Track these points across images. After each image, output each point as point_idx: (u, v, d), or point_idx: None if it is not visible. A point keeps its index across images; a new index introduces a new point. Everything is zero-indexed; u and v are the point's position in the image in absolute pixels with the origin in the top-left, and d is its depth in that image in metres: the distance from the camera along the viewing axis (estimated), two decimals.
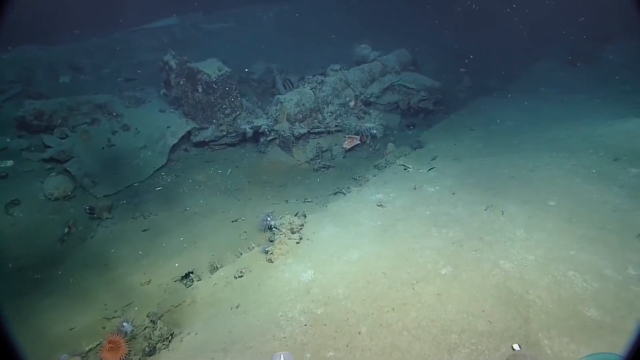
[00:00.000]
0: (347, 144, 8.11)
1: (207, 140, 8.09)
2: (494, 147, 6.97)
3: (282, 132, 7.94)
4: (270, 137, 8.06)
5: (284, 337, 3.54)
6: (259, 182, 7.31)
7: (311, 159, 7.90)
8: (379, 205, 5.53)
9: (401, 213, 5.26)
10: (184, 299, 4.43)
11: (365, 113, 9.02)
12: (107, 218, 6.22)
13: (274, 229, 5.17)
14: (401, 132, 9.10)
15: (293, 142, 7.98)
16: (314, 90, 8.50)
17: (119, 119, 7.96)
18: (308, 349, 3.40)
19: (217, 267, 4.93)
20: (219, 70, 8.08)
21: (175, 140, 7.81)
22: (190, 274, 4.91)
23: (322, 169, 7.65)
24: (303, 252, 4.71)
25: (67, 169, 6.73)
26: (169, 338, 3.86)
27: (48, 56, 10.68)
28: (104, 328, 4.15)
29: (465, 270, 3.96)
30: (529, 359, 2.95)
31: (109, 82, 10.14)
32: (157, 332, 3.83)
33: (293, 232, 5.04)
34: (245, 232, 5.70)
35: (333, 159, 7.99)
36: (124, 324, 3.93)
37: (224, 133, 8.13)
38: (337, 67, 9.37)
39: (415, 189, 5.87)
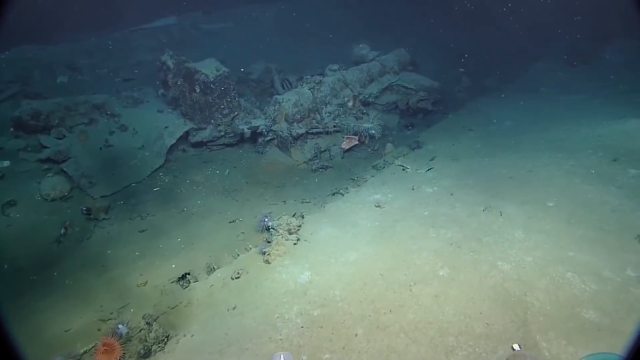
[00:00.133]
0: (345, 145, 8.08)
1: (205, 140, 8.07)
2: (492, 147, 6.94)
3: (280, 133, 7.92)
4: (269, 138, 8.04)
5: (281, 339, 3.51)
6: (257, 182, 7.28)
7: (309, 160, 7.88)
8: (377, 206, 5.51)
9: (399, 214, 5.24)
10: (180, 301, 4.40)
11: (363, 113, 9.00)
12: (104, 219, 6.20)
13: (271, 229, 5.15)
14: (400, 132, 9.07)
15: (291, 143, 7.96)
16: (312, 90, 8.48)
17: (117, 119, 7.94)
18: (304, 351, 3.37)
19: (214, 268, 4.91)
20: (217, 71, 8.06)
21: (173, 141, 7.78)
22: (187, 275, 4.88)
23: (321, 170, 7.62)
24: (300, 253, 4.69)
25: (64, 169, 6.70)
26: (165, 340, 3.83)
27: (46, 56, 10.66)
28: (99, 330, 4.12)
29: (463, 271, 3.93)
30: (529, 359, 2.92)
31: (107, 82, 10.11)
32: (152, 334, 3.80)
33: (290, 233, 5.02)
34: (242, 233, 5.68)
35: (331, 159, 7.97)
36: (120, 325, 3.90)
37: (222, 133, 8.10)
38: (335, 67, 9.34)
39: (413, 189, 5.85)
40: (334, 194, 6.47)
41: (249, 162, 7.91)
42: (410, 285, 3.86)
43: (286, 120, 7.96)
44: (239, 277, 4.50)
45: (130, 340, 3.92)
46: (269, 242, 4.95)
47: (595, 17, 11.57)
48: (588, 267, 3.74)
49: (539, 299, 3.49)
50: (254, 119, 8.37)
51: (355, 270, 4.23)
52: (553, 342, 3.12)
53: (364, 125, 8.34)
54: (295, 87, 8.86)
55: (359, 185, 6.54)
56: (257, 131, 8.00)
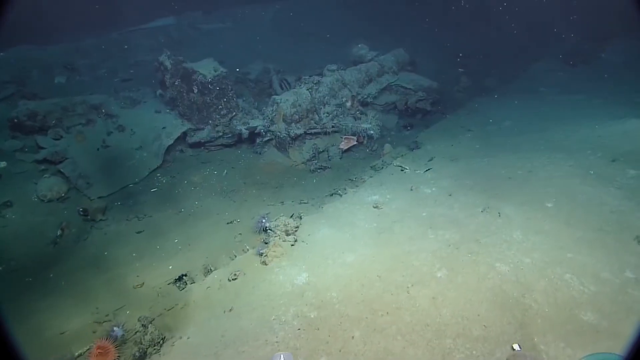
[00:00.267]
0: (343, 145, 8.05)
1: (203, 141, 8.04)
2: (491, 147, 6.92)
3: (279, 133, 7.89)
4: (267, 138, 8.01)
5: (277, 342, 3.49)
6: (255, 183, 7.25)
7: (307, 160, 7.84)
8: (375, 207, 5.48)
9: (397, 215, 5.21)
10: (176, 302, 4.38)
11: (362, 113, 8.97)
12: (101, 220, 6.17)
13: (269, 230, 5.12)
14: (398, 132, 9.04)
15: (289, 143, 7.92)
16: (310, 90, 8.44)
17: (114, 119, 7.91)
18: (301, 353, 3.34)
19: (211, 269, 4.87)
20: (215, 71, 8.03)
21: (171, 141, 7.76)
22: (184, 277, 4.85)
23: (319, 170, 7.59)
24: (298, 255, 4.66)
25: (61, 170, 6.67)
26: (160, 342, 3.80)
27: (44, 56, 10.62)
28: (94, 332, 4.08)
29: (461, 273, 3.90)
30: (529, 359, 2.90)
31: (104, 82, 10.08)
32: (147, 337, 3.77)
33: (288, 234, 4.99)
34: (240, 234, 5.64)
35: (330, 160, 7.94)
36: (115, 328, 3.87)
37: (220, 134, 8.08)
38: (334, 67, 9.31)
39: (411, 190, 5.82)
40: (332, 195, 6.44)
41: (246, 163, 7.88)
42: (408, 287, 3.83)
43: (284, 120, 7.93)
44: (236, 279, 4.47)
45: (125, 343, 3.89)
46: (266, 244, 4.92)
47: (595, 17, 11.54)
48: (587, 269, 3.71)
49: (537, 301, 3.46)
50: (252, 119, 8.34)
51: (353, 271, 4.20)
52: (551, 344, 3.10)
53: (362, 125, 8.31)
54: (294, 88, 8.83)
55: (357, 186, 6.50)
56: (255, 132, 7.97)
